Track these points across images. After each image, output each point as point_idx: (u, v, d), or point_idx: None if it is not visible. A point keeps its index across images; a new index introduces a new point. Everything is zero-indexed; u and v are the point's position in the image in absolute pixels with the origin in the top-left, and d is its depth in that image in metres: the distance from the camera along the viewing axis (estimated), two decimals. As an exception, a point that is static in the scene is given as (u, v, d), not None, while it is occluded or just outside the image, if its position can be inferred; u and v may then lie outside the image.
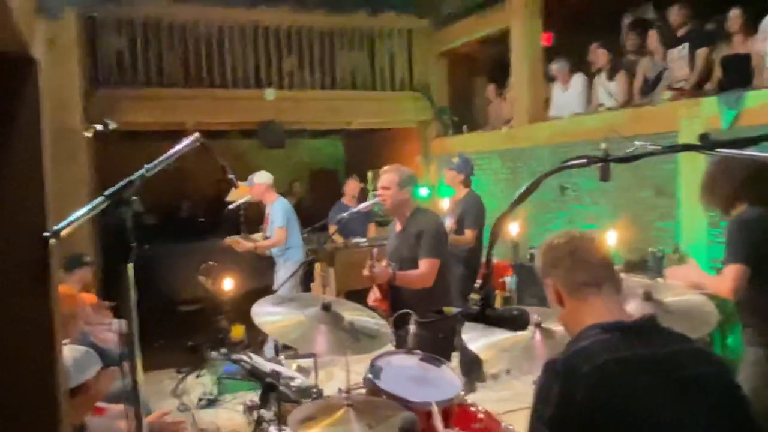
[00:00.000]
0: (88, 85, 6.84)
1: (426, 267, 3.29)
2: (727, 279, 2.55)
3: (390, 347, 2.58)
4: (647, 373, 1.37)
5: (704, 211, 4.84)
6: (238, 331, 6.19)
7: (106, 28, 7.28)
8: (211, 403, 5.03)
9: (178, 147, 1.90)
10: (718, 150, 1.21)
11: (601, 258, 1.56)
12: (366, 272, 3.21)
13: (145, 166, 1.74)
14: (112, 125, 5.82)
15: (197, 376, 5.60)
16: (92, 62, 7.13)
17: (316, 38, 8.18)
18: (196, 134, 2.01)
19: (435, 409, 1.87)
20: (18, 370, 1.31)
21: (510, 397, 4.61)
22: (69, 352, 2.32)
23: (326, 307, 2.23)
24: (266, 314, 2.24)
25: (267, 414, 4.47)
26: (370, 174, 8.83)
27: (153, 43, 7.46)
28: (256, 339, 5.82)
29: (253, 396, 4.53)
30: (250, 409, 3.88)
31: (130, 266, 1.58)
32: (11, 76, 1.14)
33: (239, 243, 6.10)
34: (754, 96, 4.49)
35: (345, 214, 3.40)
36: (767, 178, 2.62)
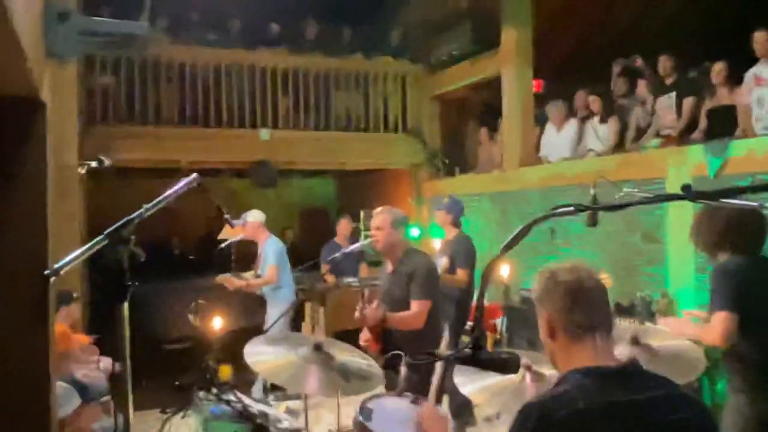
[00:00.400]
0: (83, 122, 6.89)
1: (417, 308, 3.30)
2: (716, 327, 2.57)
3: (381, 389, 2.58)
4: (623, 420, 1.38)
5: (692, 256, 4.93)
6: (225, 372, 6.08)
7: (104, 66, 7.38)
8: (197, 445, 4.91)
9: (177, 187, 1.93)
10: (701, 200, 1.26)
11: (601, 301, 1.56)
12: (357, 314, 3.22)
13: (144, 206, 1.78)
14: (107, 162, 5.86)
15: (183, 417, 5.49)
16: (89, 100, 7.20)
17: (312, 80, 8.32)
18: (195, 175, 2.06)
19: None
20: (16, 403, 1.31)
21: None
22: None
23: (318, 347, 2.24)
24: (258, 354, 2.23)
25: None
26: (362, 214, 8.88)
27: (149, 81, 7.56)
28: (243, 379, 5.75)
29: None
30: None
31: (125, 306, 1.59)
32: (22, 119, 1.18)
33: (231, 281, 6.08)
34: (739, 145, 4.61)
35: (338, 255, 3.42)
36: (748, 226, 2.68)
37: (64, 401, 2.26)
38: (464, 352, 1.32)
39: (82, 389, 2.35)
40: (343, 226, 7.10)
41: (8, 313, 1.26)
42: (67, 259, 1.36)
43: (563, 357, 1.54)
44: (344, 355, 2.34)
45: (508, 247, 1.30)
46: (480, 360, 1.33)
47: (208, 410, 5.26)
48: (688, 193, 1.22)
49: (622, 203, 1.33)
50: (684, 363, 2.34)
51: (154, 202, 1.78)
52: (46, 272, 1.32)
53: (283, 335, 3.19)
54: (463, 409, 4.88)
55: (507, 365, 1.38)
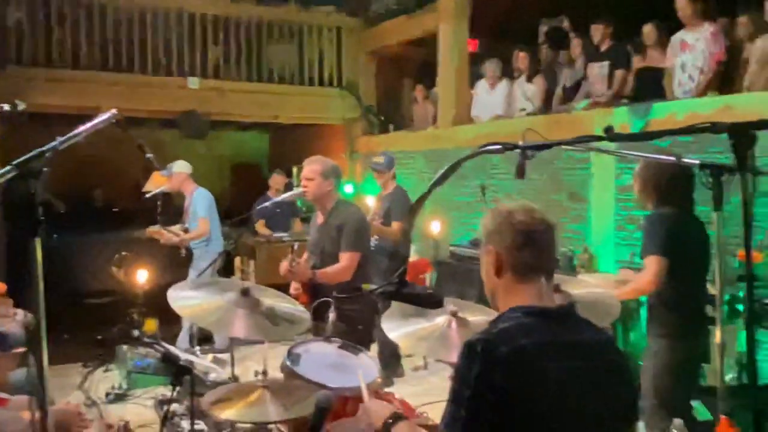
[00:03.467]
0: (-4, 62, 6.45)
1: (346, 260, 3.30)
2: (649, 270, 2.77)
3: (309, 336, 2.58)
4: (562, 358, 1.42)
5: (612, 215, 5.15)
6: (150, 325, 5.97)
7: (19, 4, 6.87)
8: (119, 397, 4.84)
9: (94, 121, 1.84)
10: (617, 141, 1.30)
11: (550, 244, 1.58)
12: (285, 268, 3.18)
13: (58, 138, 1.68)
14: (22, 106, 5.50)
15: (105, 371, 5.38)
16: (2, 39, 6.72)
17: (244, 28, 8.04)
18: (114, 110, 1.96)
19: (363, 384, 1.85)
20: None
21: (426, 392, 4.69)
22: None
23: (245, 292, 2.21)
24: (183, 298, 2.19)
25: (179, 408, 4.36)
26: (295, 169, 8.76)
27: (69, 22, 7.10)
28: (170, 333, 5.65)
29: (165, 391, 4.40)
30: (161, 403, 3.77)
31: (38, 241, 1.51)
32: None
33: (162, 233, 5.86)
34: (661, 107, 4.78)
35: (267, 204, 3.35)
36: (676, 180, 2.84)
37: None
38: (389, 286, 1.33)
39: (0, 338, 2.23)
40: (276, 180, 7.00)
41: None
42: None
43: (505, 295, 1.55)
44: (272, 299, 2.32)
45: (436, 184, 1.31)
46: (404, 294, 1.34)
47: (132, 363, 5.20)
48: (609, 134, 1.25)
49: (548, 143, 1.36)
50: (600, 309, 2.45)
51: (69, 135, 1.69)
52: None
53: (210, 280, 3.13)
54: (390, 359, 4.98)
55: (430, 300, 1.40)
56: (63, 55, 7.11)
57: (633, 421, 1.56)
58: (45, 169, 1.51)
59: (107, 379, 5.18)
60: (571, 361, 1.43)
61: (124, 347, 5.38)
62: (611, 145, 4.72)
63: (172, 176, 5.85)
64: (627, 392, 1.54)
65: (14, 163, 1.41)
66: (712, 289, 3.03)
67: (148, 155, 2.06)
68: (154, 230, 5.92)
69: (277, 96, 8.19)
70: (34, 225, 1.44)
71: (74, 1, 7.11)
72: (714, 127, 1.34)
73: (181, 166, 5.88)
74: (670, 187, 2.87)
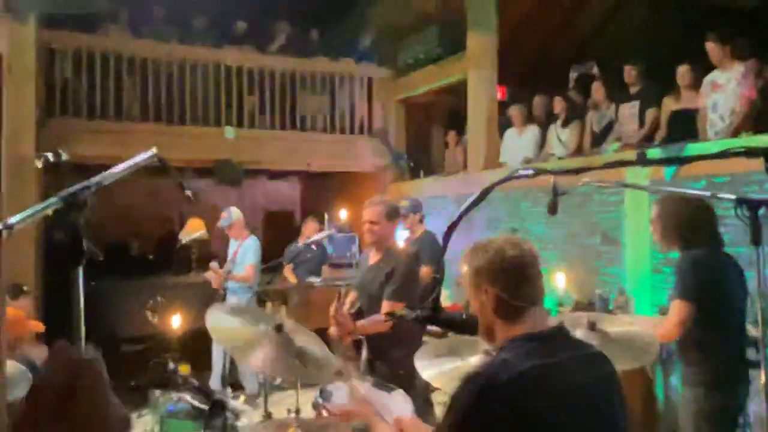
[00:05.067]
0: (42, 114, 6.73)
1: (387, 309, 3.14)
2: (673, 316, 2.66)
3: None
4: (557, 376, 1.46)
5: (648, 257, 5.05)
6: (184, 370, 5.99)
7: (64, 58, 7.22)
8: (152, 443, 4.81)
9: (135, 160, 1.90)
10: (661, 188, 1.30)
11: (540, 274, 1.61)
12: (332, 315, 3.05)
13: (102, 174, 1.74)
14: (65, 156, 5.72)
15: (138, 416, 5.38)
16: (48, 91, 7.03)
17: (278, 80, 8.28)
18: (153, 149, 2.02)
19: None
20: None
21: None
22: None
23: (279, 328, 2.21)
24: (218, 321, 2.19)
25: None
26: (326, 216, 8.86)
27: (112, 75, 7.41)
28: (201, 378, 5.65)
29: (198, 436, 4.38)
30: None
31: (80, 270, 1.55)
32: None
33: (218, 272, 5.95)
34: (694, 148, 4.74)
35: (300, 244, 3.36)
36: (699, 220, 2.77)
37: (16, 383, 2.17)
38: (424, 312, 1.33)
39: (38, 372, 2.25)
40: (309, 226, 7.07)
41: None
42: (21, 215, 1.32)
43: (504, 329, 1.57)
44: (304, 340, 2.31)
45: (467, 211, 1.32)
46: (439, 319, 1.34)
47: (165, 408, 5.19)
48: (640, 159, 1.26)
49: (580, 168, 1.36)
50: (638, 347, 2.39)
51: (113, 171, 1.75)
52: (-2, 226, 1.28)
53: (247, 308, 3.13)
54: (425, 406, 4.87)
55: (465, 325, 1.39)
56: (105, 106, 7.39)
57: (625, 430, 1.56)
58: (89, 201, 1.56)
59: (140, 424, 5.18)
60: (566, 377, 1.48)
61: (157, 392, 5.39)
62: (643, 182, 4.69)
63: (234, 223, 6.07)
64: (619, 404, 1.57)
65: (60, 194, 1.47)
66: (753, 331, 2.92)
67: (188, 191, 2.11)
68: (214, 267, 6.01)
69: (309, 144, 8.36)
70: (78, 255, 1.48)
71: (117, 55, 7.43)
72: (749, 152, 1.33)
73: (237, 213, 6.14)
74: (693, 227, 2.77)
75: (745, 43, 5.05)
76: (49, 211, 1.49)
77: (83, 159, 6.92)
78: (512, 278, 1.55)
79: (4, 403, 1.71)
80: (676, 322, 2.68)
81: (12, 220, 1.30)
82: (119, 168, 1.80)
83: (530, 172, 1.41)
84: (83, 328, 1.55)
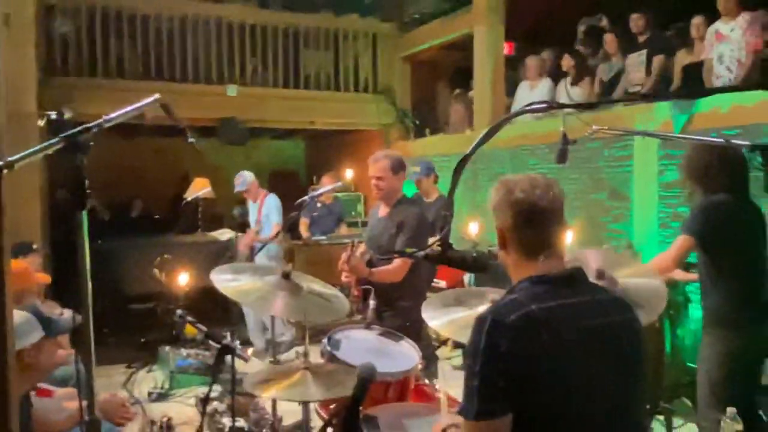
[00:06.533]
0: (43, 72, 6.65)
1: (398, 261, 3.19)
2: (672, 247, 2.73)
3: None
4: (569, 319, 1.45)
5: (656, 212, 5.02)
6: (191, 329, 6.06)
7: (65, 15, 7.11)
8: (162, 396, 4.92)
9: (138, 104, 1.87)
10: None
11: (553, 221, 1.57)
12: (343, 262, 3.11)
13: (103, 117, 1.72)
14: (68, 114, 5.67)
15: (148, 371, 5.47)
16: (48, 49, 6.95)
17: (281, 36, 8.15)
18: (157, 95, 1.99)
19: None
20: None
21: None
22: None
23: (286, 275, 2.22)
24: (225, 280, 2.20)
25: (220, 406, 4.39)
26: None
27: (112, 33, 7.31)
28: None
29: (206, 390, 4.46)
30: (202, 401, 3.81)
31: (85, 214, 1.54)
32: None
33: (248, 237, 6.21)
34: (705, 101, 4.65)
35: (307, 198, 3.33)
36: (729, 165, 2.75)
37: (27, 330, 2.18)
38: (434, 249, 1.31)
39: (45, 322, 2.26)
40: (326, 183, 7.02)
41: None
42: (21, 154, 1.30)
43: (515, 269, 1.58)
44: (312, 284, 2.32)
45: (480, 144, 1.28)
46: (449, 257, 1.32)
47: (174, 364, 5.28)
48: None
49: (591, 103, 1.32)
50: (646, 299, 2.37)
51: (115, 114, 1.73)
52: (-1, 163, 1.26)
53: (251, 266, 3.14)
54: (428, 361, 4.92)
55: (477, 262, 1.38)
56: (107, 64, 7.30)
57: (640, 380, 1.55)
58: (91, 143, 1.54)
59: (150, 379, 5.26)
60: (578, 322, 1.46)
61: (167, 348, 5.48)
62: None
63: (250, 185, 6.24)
64: (635, 350, 1.55)
65: (62, 135, 1.44)
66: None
67: (191, 139, 2.08)
68: (249, 231, 6.22)
69: (313, 102, 8.27)
70: (82, 197, 1.47)
71: (118, 13, 7.31)
72: (764, 84, 1.28)
73: (251, 175, 6.31)
74: (717, 173, 2.78)
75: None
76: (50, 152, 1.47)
77: (85, 118, 6.85)
78: (516, 220, 1.53)
79: (12, 351, 1.71)
80: (673, 254, 2.78)
81: (12, 158, 1.27)
82: (122, 111, 1.77)
83: (543, 106, 1.36)
84: (89, 285, 1.54)
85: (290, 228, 6.60)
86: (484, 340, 1.38)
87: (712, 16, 5.03)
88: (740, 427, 2.17)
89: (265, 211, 6.14)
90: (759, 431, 2.76)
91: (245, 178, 6.24)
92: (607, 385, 1.48)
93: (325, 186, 5.30)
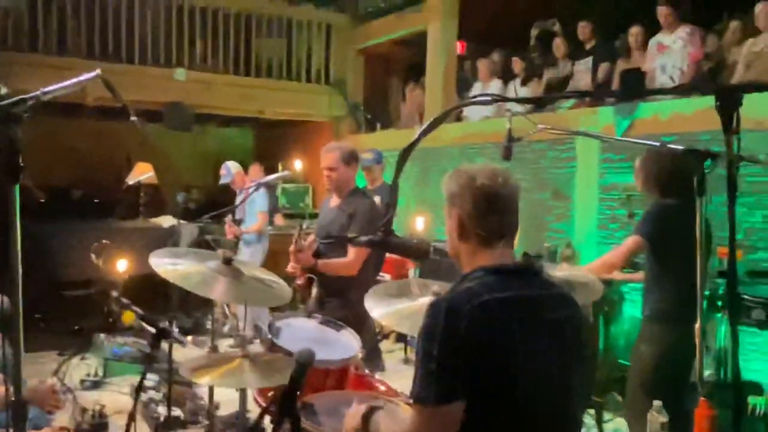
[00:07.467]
0: (-22, 46, 6.36)
1: (353, 254, 3.16)
2: (623, 246, 2.92)
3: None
4: (521, 311, 1.48)
5: (595, 213, 5.18)
6: (129, 317, 5.91)
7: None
8: (96, 384, 4.79)
9: (79, 78, 1.80)
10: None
11: (513, 209, 1.59)
12: (291, 250, 3.06)
13: (41, 89, 1.65)
14: (4, 90, 5.43)
15: (82, 359, 5.30)
16: (-15, 21, 6.63)
17: (232, 21, 8.00)
18: (98, 71, 1.92)
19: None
20: None
21: (405, 387, 4.66)
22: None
23: (227, 261, 2.19)
24: (165, 264, 2.15)
25: (156, 395, 4.29)
26: (280, 166, 8.73)
27: (54, 9, 7.03)
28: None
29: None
30: (136, 389, 3.73)
31: (17, 188, 1.48)
32: None
33: (231, 226, 6.09)
34: (646, 108, 4.83)
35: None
36: (679, 172, 2.86)
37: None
38: (376, 236, 1.32)
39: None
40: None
41: None
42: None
43: (468, 257, 1.59)
44: (253, 271, 2.30)
45: (426, 132, 1.30)
46: (391, 243, 1.33)
47: (109, 351, 5.13)
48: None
49: (537, 97, 1.36)
50: (581, 289, 2.46)
51: (54, 87, 1.66)
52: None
53: (190, 250, 3.08)
54: (371, 353, 4.94)
55: (417, 250, 1.39)
56: (48, 40, 7.02)
57: (579, 374, 1.60)
58: (26, 115, 1.48)
59: (83, 367, 5.10)
60: (529, 314, 1.50)
61: (102, 336, 5.32)
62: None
63: (235, 176, 6.19)
64: (578, 346, 1.60)
65: (-5, 104, 1.38)
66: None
67: (133, 118, 2.02)
68: (229, 221, 6.11)
69: (264, 90, 8.17)
70: (15, 171, 1.41)
71: (61, -12, 7.04)
72: (701, 89, 1.34)
73: (235, 165, 6.26)
74: (672, 179, 2.90)
75: (688, 7, 5.19)
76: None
77: (23, 94, 6.59)
78: (479, 206, 1.54)
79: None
80: (623, 252, 2.93)
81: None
82: (61, 84, 1.70)
83: (488, 99, 1.38)
84: (20, 268, 1.48)
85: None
86: (443, 325, 1.39)
87: (654, 27, 5.24)
88: (665, 419, 2.27)
89: (249, 200, 5.92)
90: (683, 424, 2.88)
91: (229, 169, 6.20)
92: (549, 378, 1.51)
93: (267, 176, 5.26)
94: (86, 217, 7.60)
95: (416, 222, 6.19)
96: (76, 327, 6.01)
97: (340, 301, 2.99)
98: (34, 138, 1.48)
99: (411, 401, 1.47)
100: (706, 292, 3.50)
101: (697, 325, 2.09)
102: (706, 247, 2.97)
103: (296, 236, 3.01)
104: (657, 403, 2.26)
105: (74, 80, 1.78)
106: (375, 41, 8.48)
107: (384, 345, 5.76)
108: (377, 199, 4.83)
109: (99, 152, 9.83)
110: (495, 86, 6.89)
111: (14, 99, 1.47)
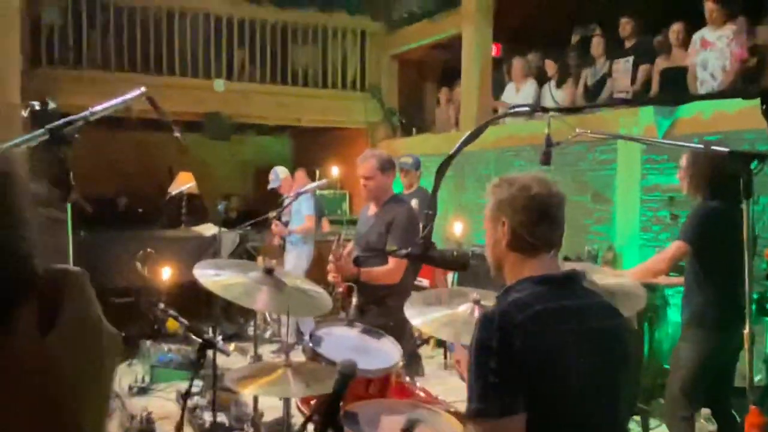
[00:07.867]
0: (28, 62, 6.59)
1: (394, 263, 3.11)
2: (667, 251, 2.87)
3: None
4: (569, 321, 1.49)
5: (638, 215, 5.08)
6: (173, 324, 6.04)
7: (51, 5, 7.04)
8: (142, 390, 4.89)
9: (124, 97, 1.87)
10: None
11: (562, 218, 1.59)
12: (331, 260, 3.02)
13: (89, 109, 1.71)
14: (51, 105, 5.62)
15: (128, 365, 5.43)
16: (33, 39, 6.88)
17: (269, 32, 8.13)
18: (143, 88, 1.99)
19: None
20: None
21: (447, 391, 4.65)
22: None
23: (269, 271, 2.23)
24: (208, 275, 2.20)
25: (201, 401, 4.38)
26: (318, 173, 8.80)
27: (98, 25, 7.25)
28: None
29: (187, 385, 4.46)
30: (183, 396, 3.81)
31: (69, 207, 1.54)
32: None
33: (278, 229, 6.18)
34: (688, 107, 4.72)
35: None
36: (725, 173, 2.81)
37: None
38: (416, 249, 1.33)
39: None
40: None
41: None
42: (7, 144, 1.30)
43: (514, 267, 1.58)
44: (294, 281, 2.33)
45: (464, 145, 1.30)
46: (431, 256, 1.33)
47: (155, 358, 5.26)
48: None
49: (575, 107, 1.35)
50: (624, 298, 2.41)
51: (101, 107, 1.72)
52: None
53: (234, 262, 3.14)
54: (410, 359, 4.94)
55: (458, 261, 1.39)
56: (92, 56, 7.24)
57: (625, 383, 1.60)
58: (76, 136, 1.54)
59: (130, 373, 5.23)
60: (577, 323, 1.50)
61: (148, 342, 5.45)
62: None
63: (283, 182, 6.29)
64: (624, 355, 1.60)
65: (47, 126, 1.44)
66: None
67: (177, 134, 2.08)
68: (276, 223, 6.14)
69: (300, 99, 8.27)
70: (67, 189, 1.46)
71: (104, 4, 7.25)
72: (745, 93, 1.32)
73: (283, 171, 6.37)
74: (718, 180, 2.84)
75: (737, 3, 5.02)
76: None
77: (69, 109, 6.79)
78: (532, 215, 1.54)
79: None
80: (668, 257, 2.88)
81: (-2, 147, 1.27)
82: (108, 104, 1.77)
83: (525, 109, 1.38)
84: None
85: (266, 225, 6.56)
86: (498, 337, 1.39)
87: (697, 23, 5.10)
88: (714, 428, 2.23)
89: (296, 204, 5.90)
90: (732, 431, 2.81)
91: (277, 175, 6.31)
92: (597, 387, 1.51)
93: (310, 183, 5.31)
94: (131, 227, 7.80)
95: (454, 227, 6.17)
96: (123, 334, 6.16)
97: (380, 309, 3.00)
98: (79, 151, 1.55)
99: (470, 416, 1.44)
100: (755, 295, 3.41)
101: (746, 330, 2.04)
102: (753, 249, 2.90)
103: (335, 245, 3.01)
104: (705, 411, 2.21)
105: (120, 99, 1.85)
106: (409, 46, 8.51)
107: (423, 350, 5.75)
108: (414, 202, 4.85)
109: (142, 163, 10.10)
110: (530, 87, 6.83)
111: (64, 120, 1.53)
